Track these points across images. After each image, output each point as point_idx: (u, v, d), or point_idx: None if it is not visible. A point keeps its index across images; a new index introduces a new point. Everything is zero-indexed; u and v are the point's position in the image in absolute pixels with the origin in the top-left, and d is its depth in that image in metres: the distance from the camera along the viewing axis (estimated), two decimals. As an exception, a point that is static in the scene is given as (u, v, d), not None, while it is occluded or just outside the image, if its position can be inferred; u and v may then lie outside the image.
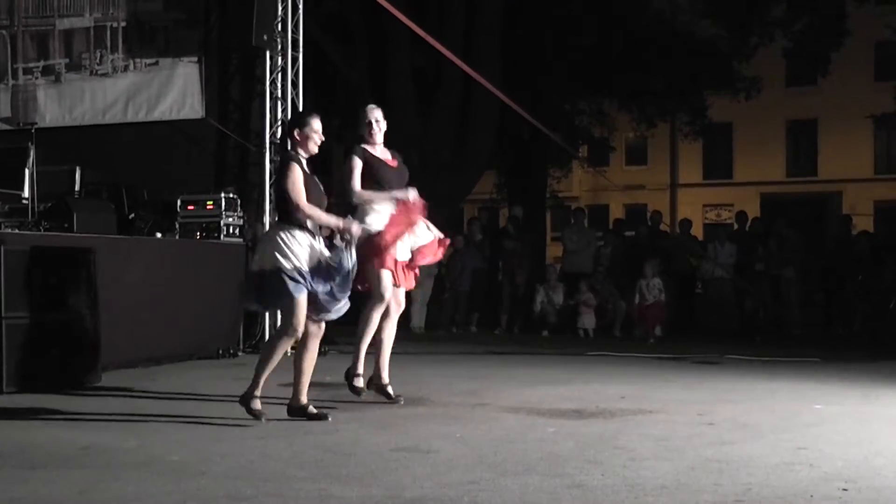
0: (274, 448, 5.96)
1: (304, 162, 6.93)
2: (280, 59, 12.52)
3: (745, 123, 37.62)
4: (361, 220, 7.45)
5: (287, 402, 7.05)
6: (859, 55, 31.73)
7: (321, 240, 6.85)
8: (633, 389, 8.89)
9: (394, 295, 7.88)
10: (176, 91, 13.71)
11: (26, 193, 11.15)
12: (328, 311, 6.85)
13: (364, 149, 7.83)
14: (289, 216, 6.82)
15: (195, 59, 13.73)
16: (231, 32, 14.67)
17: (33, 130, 11.51)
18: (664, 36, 21.16)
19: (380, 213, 7.71)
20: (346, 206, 7.74)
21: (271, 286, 6.70)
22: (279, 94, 12.50)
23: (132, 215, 12.45)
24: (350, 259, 6.79)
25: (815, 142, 39.37)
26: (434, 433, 6.54)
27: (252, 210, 13.84)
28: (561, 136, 21.45)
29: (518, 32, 20.01)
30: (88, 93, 14.24)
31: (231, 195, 12.10)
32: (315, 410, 6.97)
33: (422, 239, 7.98)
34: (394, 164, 7.99)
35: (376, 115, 8.01)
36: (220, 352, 11.43)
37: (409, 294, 16.11)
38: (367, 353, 7.95)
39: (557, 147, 21.97)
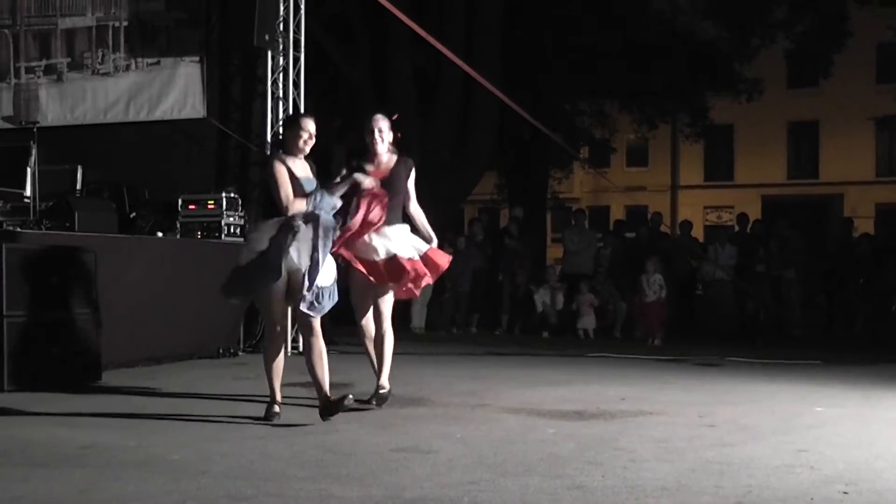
0: (274, 448, 5.96)
1: (295, 162, 6.92)
2: (282, 59, 12.52)
3: (746, 125, 37.63)
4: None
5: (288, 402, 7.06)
6: (861, 57, 31.73)
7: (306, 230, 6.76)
8: (633, 391, 8.89)
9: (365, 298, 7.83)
10: (177, 91, 13.71)
11: (28, 192, 11.16)
12: (310, 304, 6.80)
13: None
14: (265, 211, 6.94)
15: (197, 58, 13.73)
16: (233, 32, 14.63)
17: (35, 129, 11.51)
18: (665, 37, 21.16)
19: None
20: None
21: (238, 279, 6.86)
22: (280, 95, 12.50)
23: (133, 214, 12.45)
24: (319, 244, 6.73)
25: (817, 144, 39.36)
26: (434, 433, 6.53)
27: (253, 209, 13.83)
28: (562, 137, 21.48)
29: (518, 32, 20.01)
30: (90, 92, 14.24)
31: (232, 195, 12.09)
32: (338, 397, 6.92)
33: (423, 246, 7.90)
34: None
35: (380, 126, 7.89)
36: (221, 351, 11.43)
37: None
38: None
39: (558, 148, 21.98)
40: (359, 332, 7.97)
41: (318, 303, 6.79)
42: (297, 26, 12.52)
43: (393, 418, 7.22)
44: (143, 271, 10.36)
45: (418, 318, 16.49)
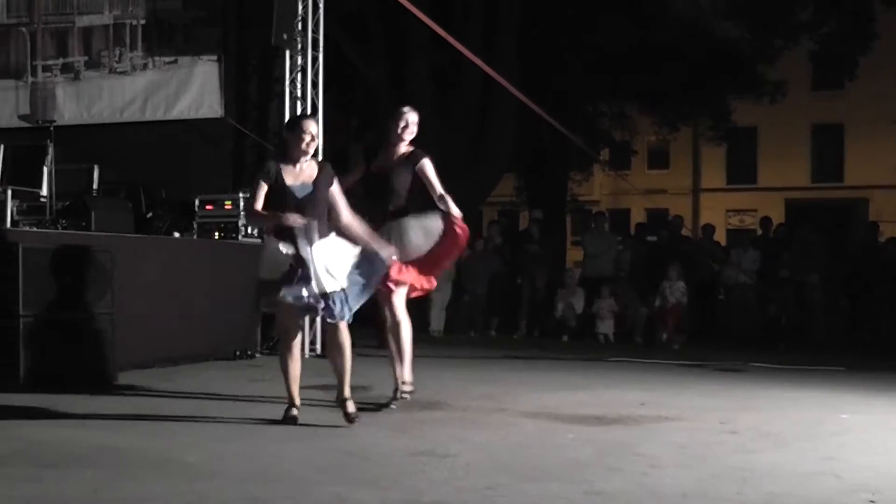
0: (290, 450, 5.96)
1: (292, 167, 6.93)
2: (300, 58, 12.51)
3: (769, 127, 37.50)
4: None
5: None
6: (887, 59, 31.50)
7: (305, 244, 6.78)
8: (653, 396, 8.86)
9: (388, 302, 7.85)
10: (195, 90, 13.74)
11: (44, 191, 11.21)
12: (321, 312, 6.83)
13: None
14: None
15: (214, 57, 13.75)
16: (250, 31, 14.70)
17: (52, 128, 11.56)
18: (686, 38, 21.10)
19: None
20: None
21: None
22: (298, 94, 12.50)
23: (150, 214, 12.48)
24: (307, 252, 6.73)
25: (842, 147, 39.19)
26: (452, 437, 6.52)
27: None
28: (581, 139, 21.43)
29: (538, 33, 19.98)
30: (107, 91, 14.28)
31: (249, 195, 12.10)
32: (350, 410, 6.96)
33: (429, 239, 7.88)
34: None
35: (408, 119, 7.92)
36: (237, 353, 11.43)
37: (427, 298, 16.21)
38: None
39: (578, 150, 21.94)
40: (382, 330, 7.98)
41: (333, 306, 6.77)
42: (316, 25, 12.52)
43: (410, 422, 7.21)
44: (160, 272, 10.38)
45: (437, 322, 16.48)
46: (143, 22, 14.12)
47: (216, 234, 11.89)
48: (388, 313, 7.89)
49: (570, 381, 10.05)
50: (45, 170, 11.23)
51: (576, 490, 5.07)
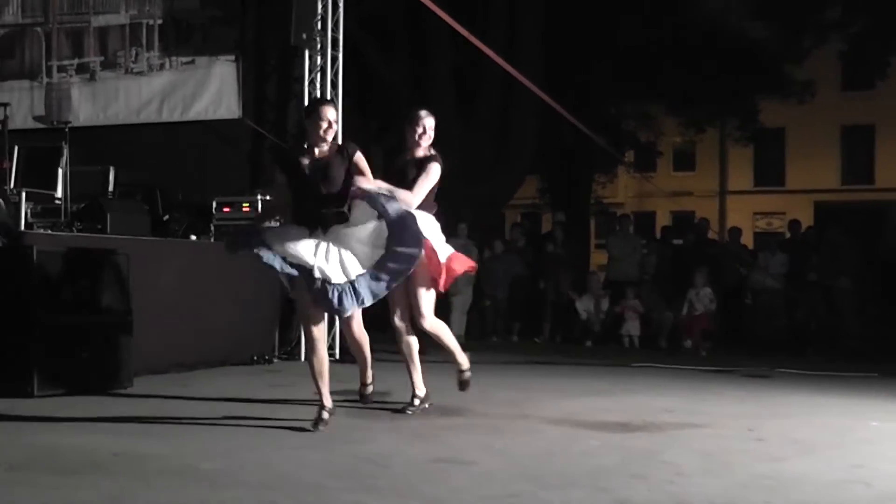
0: (310, 457, 5.97)
1: (309, 154, 7.00)
2: (319, 58, 12.54)
3: (798, 128, 37.36)
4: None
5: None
6: (919, 59, 31.43)
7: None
8: (679, 402, 8.85)
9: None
10: (212, 90, 13.77)
11: (59, 193, 11.25)
12: (327, 304, 6.88)
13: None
14: None
15: (232, 57, 13.78)
16: (269, 31, 14.74)
17: (67, 129, 11.61)
18: (713, 38, 21.08)
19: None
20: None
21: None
22: (317, 95, 12.52)
23: (166, 217, 12.54)
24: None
25: (872, 148, 39.01)
26: (473, 444, 6.53)
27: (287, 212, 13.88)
28: (606, 141, 21.41)
29: (561, 33, 19.97)
30: (123, 91, 14.33)
31: (267, 197, 12.12)
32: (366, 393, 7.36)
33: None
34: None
35: (425, 124, 7.93)
36: (255, 358, 11.46)
37: (448, 302, 16.22)
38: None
39: (602, 151, 21.92)
40: (394, 335, 7.99)
41: (334, 298, 6.81)
42: (336, 25, 12.54)
43: (431, 428, 7.22)
44: (176, 275, 10.42)
45: (457, 327, 16.45)
46: (159, 21, 14.16)
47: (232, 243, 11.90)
48: (398, 325, 7.89)
49: (593, 387, 10.05)
50: (60, 172, 11.27)
51: (600, 498, 5.08)
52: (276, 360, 11.75)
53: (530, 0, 19.05)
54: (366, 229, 6.92)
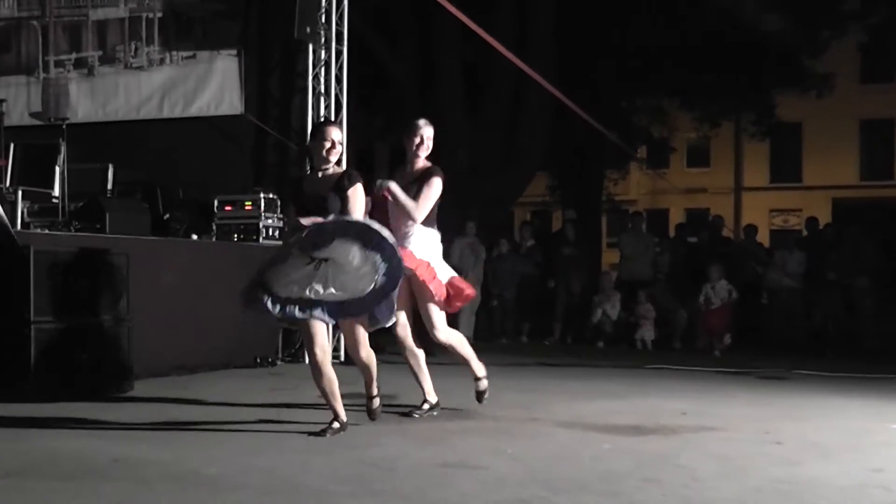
0: (314, 462, 5.98)
1: (313, 176, 7.08)
2: (323, 52, 12.55)
3: (815, 123, 37.30)
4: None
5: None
6: (940, 50, 31.39)
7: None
8: (694, 405, 8.84)
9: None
10: (214, 86, 13.81)
11: (57, 192, 11.28)
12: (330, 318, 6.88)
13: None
14: None
15: (234, 51, 13.82)
16: (272, 24, 14.74)
17: (65, 126, 11.63)
18: (728, 30, 21.04)
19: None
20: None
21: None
22: (322, 90, 12.53)
23: (167, 216, 12.55)
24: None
25: (892, 143, 38.92)
26: (483, 448, 6.53)
27: (292, 212, 13.88)
28: (617, 136, 21.39)
29: (572, 27, 19.96)
30: (122, 87, 14.37)
31: (270, 195, 12.14)
32: (373, 406, 7.34)
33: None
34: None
35: (423, 133, 7.93)
36: (258, 360, 11.48)
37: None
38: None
39: (614, 147, 21.91)
40: (398, 343, 8.02)
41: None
42: (340, 18, 12.55)
43: (439, 432, 7.23)
44: (177, 275, 10.43)
45: (466, 328, 16.45)
46: (159, 15, 14.20)
47: (236, 236, 11.93)
48: (400, 334, 7.91)
49: (606, 390, 10.05)
50: (58, 169, 11.30)
51: (613, 503, 5.08)
52: (279, 363, 11.77)
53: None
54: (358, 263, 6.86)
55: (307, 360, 7.17)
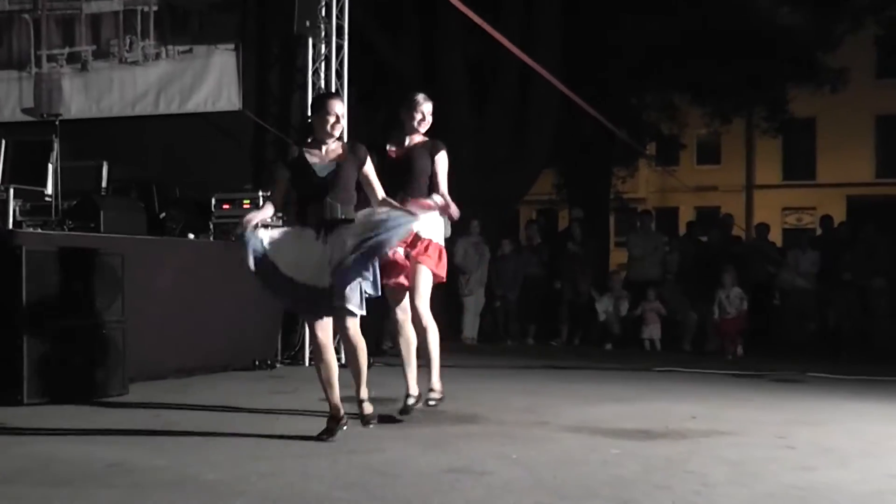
0: (316, 468, 5.99)
1: (315, 150, 7.04)
2: (324, 47, 12.56)
3: (829, 119, 37.27)
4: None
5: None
6: (958, 44, 31.36)
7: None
8: (705, 409, 8.85)
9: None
10: (211, 81, 13.80)
11: (49, 190, 11.25)
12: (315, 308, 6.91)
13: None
14: None
15: (232, 46, 13.81)
16: (271, 18, 14.71)
17: (57, 122, 11.60)
18: (740, 23, 21.02)
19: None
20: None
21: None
22: (322, 85, 12.55)
23: (163, 215, 12.53)
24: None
25: (908, 139, 38.95)
26: (488, 453, 6.54)
27: (291, 210, 13.87)
28: (626, 133, 21.40)
29: (580, 20, 19.96)
30: (117, 82, 14.36)
31: (269, 193, 12.12)
32: (366, 412, 7.23)
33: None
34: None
35: (423, 109, 8.00)
36: (257, 363, 11.49)
37: (460, 303, 16.22)
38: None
39: (622, 144, 21.92)
40: (392, 326, 8.04)
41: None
42: (341, 11, 12.56)
43: (443, 436, 7.23)
44: (174, 276, 10.44)
45: (470, 329, 16.50)
46: (155, 8, 14.19)
47: (234, 235, 11.90)
48: (400, 316, 7.93)
49: (614, 393, 10.05)
50: (51, 167, 11.27)
51: (621, 510, 5.09)
52: (279, 365, 11.79)
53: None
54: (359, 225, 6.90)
55: (309, 343, 7.22)
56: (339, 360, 7.28)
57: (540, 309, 17.02)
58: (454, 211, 7.82)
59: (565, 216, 25.80)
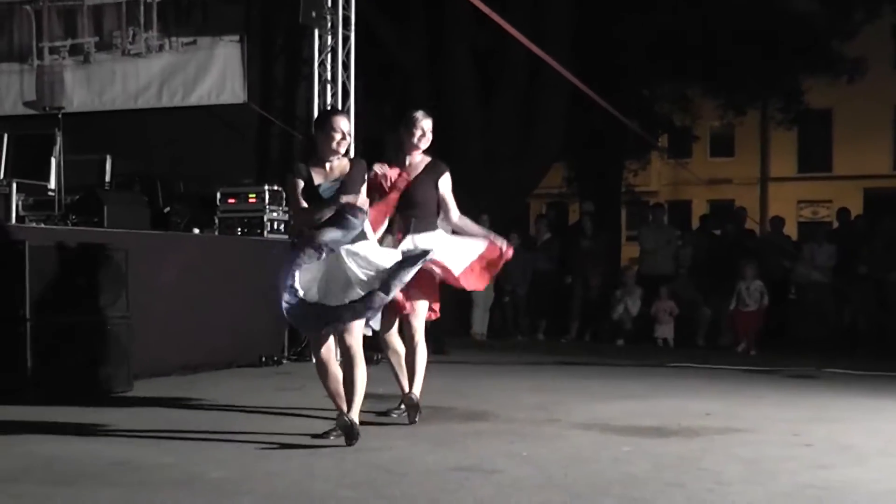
0: (322, 466, 6.00)
1: (321, 168, 6.95)
2: (329, 38, 12.55)
3: (846, 110, 37.16)
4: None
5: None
6: (979, 32, 31.31)
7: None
8: (718, 405, 8.84)
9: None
10: (215, 73, 13.82)
11: (52, 185, 11.31)
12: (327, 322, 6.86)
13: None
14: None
15: (236, 37, 13.83)
16: (276, 8, 14.72)
17: (60, 116, 11.67)
18: (754, 13, 20.97)
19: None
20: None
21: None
22: (328, 77, 12.54)
23: (167, 209, 12.58)
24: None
25: (927, 130, 38.85)
26: (498, 451, 6.54)
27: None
28: (638, 125, 21.35)
29: (590, 10, 19.92)
30: (120, 75, 14.38)
31: (275, 187, 12.15)
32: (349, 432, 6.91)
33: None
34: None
35: (423, 125, 7.95)
36: (263, 359, 11.50)
37: (470, 299, 16.21)
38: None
39: (634, 136, 21.88)
40: (381, 342, 8.01)
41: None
42: (347, 2, 12.56)
43: (452, 434, 7.24)
44: (179, 271, 10.46)
45: (480, 325, 16.50)
46: (158, -1, 14.21)
47: (239, 230, 11.95)
48: (386, 336, 7.92)
49: (626, 390, 10.06)
50: (53, 161, 11.33)
51: (634, 509, 5.10)
52: (285, 362, 11.80)
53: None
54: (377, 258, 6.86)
55: (313, 359, 7.18)
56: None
57: (550, 304, 17.01)
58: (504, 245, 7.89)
59: (576, 210, 25.81)
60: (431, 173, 7.87)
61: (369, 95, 17.73)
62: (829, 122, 38.60)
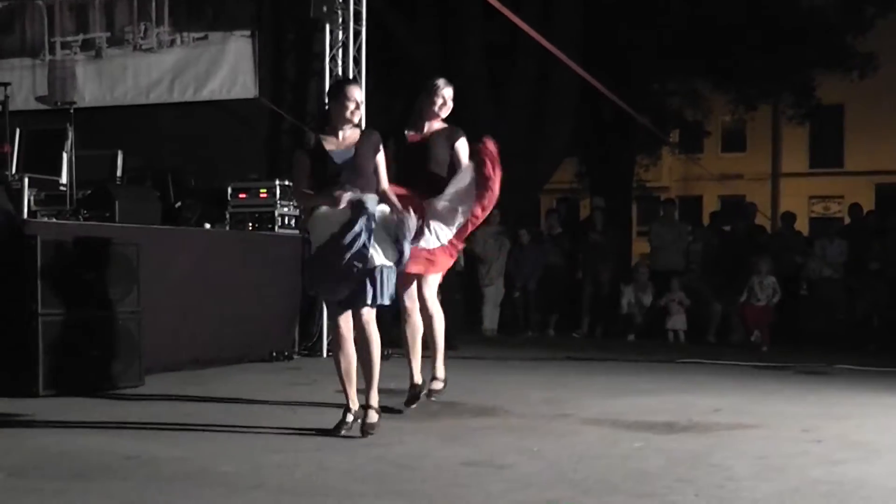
0: (333, 460, 6.01)
1: (333, 137, 7.00)
2: (341, 33, 12.55)
3: (858, 105, 37.04)
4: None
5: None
6: None
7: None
8: (729, 401, 8.84)
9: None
10: (227, 68, 13.83)
11: (64, 179, 11.32)
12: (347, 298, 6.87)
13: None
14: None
15: (248, 32, 13.84)
16: (287, 3, 14.73)
17: (72, 111, 11.66)
18: (767, 6, 20.93)
19: None
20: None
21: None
22: (339, 72, 12.55)
23: (178, 204, 12.58)
24: (355, 234, 6.72)
25: (939, 126, 38.70)
26: (508, 447, 6.55)
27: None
28: (649, 120, 21.33)
29: (601, 4, 19.91)
30: (131, 70, 14.40)
31: (286, 182, 12.15)
32: (368, 420, 6.94)
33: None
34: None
35: (444, 94, 7.97)
36: (274, 354, 11.51)
37: (481, 294, 16.20)
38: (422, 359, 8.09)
39: (645, 131, 21.85)
40: (402, 315, 8.00)
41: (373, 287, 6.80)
42: (358, -4, 12.56)
43: (462, 429, 7.25)
44: (190, 266, 10.47)
45: (490, 320, 16.50)
46: (170, -7, 14.22)
47: (250, 225, 11.96)
48: (407, 304, 7.91)
49: (636, 385, 10.05)
50: (65, 156, 11.34)
51: (644, 504, 5.10)
52: (296, 357, 11.81)
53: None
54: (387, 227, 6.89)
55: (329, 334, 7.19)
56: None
57: (561, 300, 17.01)
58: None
59: (587, 205, 25.74)
60: (443, 138, 7.94)
61: (381, 90, 17.73)
62: (840, 117, 38.47)
